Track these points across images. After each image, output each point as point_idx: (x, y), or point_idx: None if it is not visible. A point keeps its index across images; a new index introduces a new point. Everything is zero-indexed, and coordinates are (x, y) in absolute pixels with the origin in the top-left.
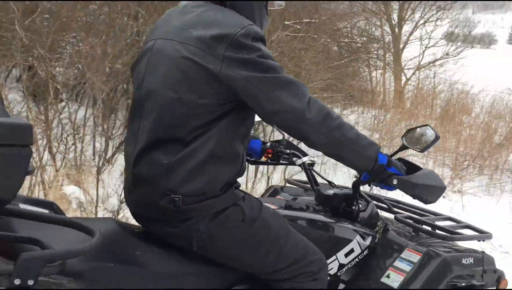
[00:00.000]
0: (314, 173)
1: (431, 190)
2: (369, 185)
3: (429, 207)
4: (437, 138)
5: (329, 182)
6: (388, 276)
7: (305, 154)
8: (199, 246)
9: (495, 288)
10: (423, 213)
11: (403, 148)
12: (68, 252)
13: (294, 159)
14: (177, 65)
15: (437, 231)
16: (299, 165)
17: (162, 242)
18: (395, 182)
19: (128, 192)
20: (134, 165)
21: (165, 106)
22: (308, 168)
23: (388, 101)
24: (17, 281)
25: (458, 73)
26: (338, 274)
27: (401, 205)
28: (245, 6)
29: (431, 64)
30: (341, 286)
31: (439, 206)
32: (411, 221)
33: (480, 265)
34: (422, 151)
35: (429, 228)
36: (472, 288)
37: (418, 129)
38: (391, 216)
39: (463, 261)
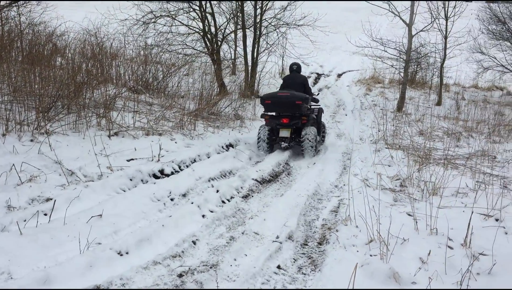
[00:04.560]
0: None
1: (316, 100)
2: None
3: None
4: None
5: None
6: (313, 114)
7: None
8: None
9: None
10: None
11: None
12: None
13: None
14: (299, 83)
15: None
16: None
17: None
18: (314, 100)
19: None
20: None
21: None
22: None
23: None
24: None
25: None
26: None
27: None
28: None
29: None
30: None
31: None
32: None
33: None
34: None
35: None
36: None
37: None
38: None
39: (322, 108)
